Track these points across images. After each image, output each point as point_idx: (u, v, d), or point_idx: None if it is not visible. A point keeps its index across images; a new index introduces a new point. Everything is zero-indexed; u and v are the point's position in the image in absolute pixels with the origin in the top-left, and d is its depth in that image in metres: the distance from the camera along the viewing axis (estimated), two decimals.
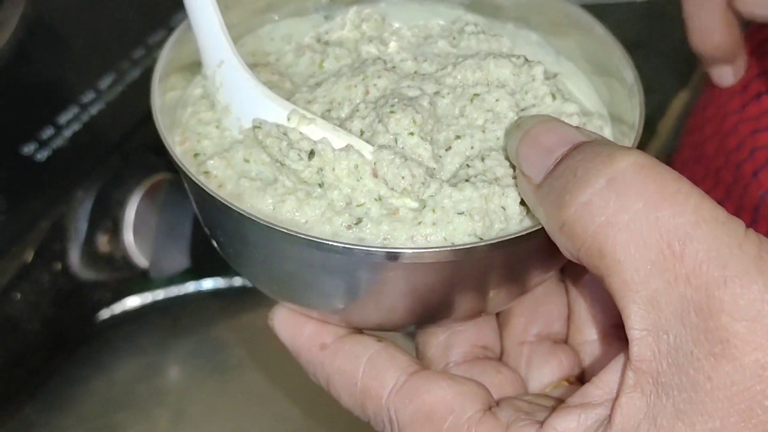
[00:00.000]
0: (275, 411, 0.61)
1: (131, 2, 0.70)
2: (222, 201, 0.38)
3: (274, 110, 0.41)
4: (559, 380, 0.43)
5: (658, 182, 0.33)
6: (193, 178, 0.39)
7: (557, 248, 0.36)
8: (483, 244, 0.38)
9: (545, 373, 0.43)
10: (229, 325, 0.67)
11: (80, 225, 0.60)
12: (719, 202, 0.34)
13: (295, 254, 0.38)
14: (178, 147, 0.42)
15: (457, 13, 0.49)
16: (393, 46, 0.47)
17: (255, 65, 0.45)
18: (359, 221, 0.39)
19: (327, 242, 0.37)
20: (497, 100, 0.42)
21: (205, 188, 0.39)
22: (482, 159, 0.40)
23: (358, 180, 0.40)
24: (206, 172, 0.41)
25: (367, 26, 0.48)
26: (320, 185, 0.40)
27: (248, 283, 0.71)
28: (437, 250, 0.37)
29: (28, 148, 0.59)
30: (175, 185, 0.62)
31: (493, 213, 0.39)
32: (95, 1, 0.70)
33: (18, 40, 0.65)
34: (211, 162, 0.41)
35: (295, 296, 0.42)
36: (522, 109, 0.43)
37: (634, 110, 0.43)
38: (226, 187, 0.40)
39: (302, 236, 0.37)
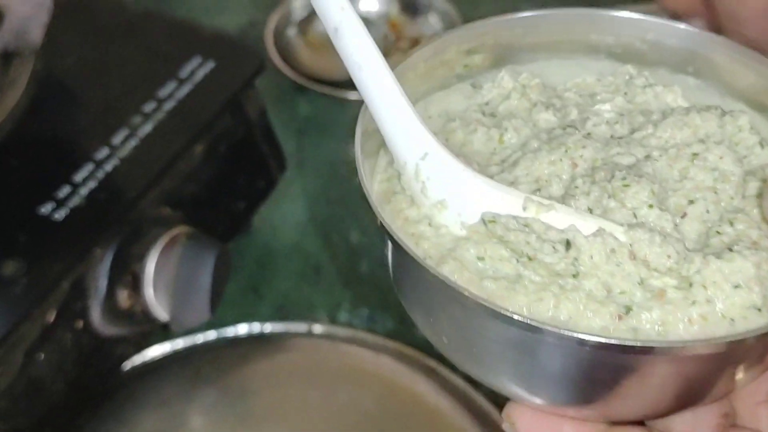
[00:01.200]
0: None
1: (139, 56, 0.70)
2: (488, 305, 0.34)
3: (505, 200, 0.38)
4: None
5: None
6: (448, 282, 0.35)
7: None
8: None
9: None
10: (251, 372, 0.67)
11: (100, 282, 0.60)
12: None
13: (574, 357, 0.34)
14: None
15: (603, 65, 0.46)
16: (574, 111, 0.43)
17: None
18: (629, 310, 0.35)
19: (633, 345, 0.33)
20: (721, 158, 0.40)
21: (459, 289, 0.34)
22: (730, 223, 0.38)
23: (617, 265, 0.36)
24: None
25: (532, 92, 0.44)
26: (574, 276, 0.36)
27: (266, 329, 0.71)
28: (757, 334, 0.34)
29: (46, 209, 0.60)
30: (193, 238, 0.63)
31: (765, 280, 0.36)
32: (104, 55, 0.70)
33: (29, 98, 0.66)
34: (447, 267, 0.37)
35: (555, 397, 0.37)
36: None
37: None
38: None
39: (609, 342, 0.33)
